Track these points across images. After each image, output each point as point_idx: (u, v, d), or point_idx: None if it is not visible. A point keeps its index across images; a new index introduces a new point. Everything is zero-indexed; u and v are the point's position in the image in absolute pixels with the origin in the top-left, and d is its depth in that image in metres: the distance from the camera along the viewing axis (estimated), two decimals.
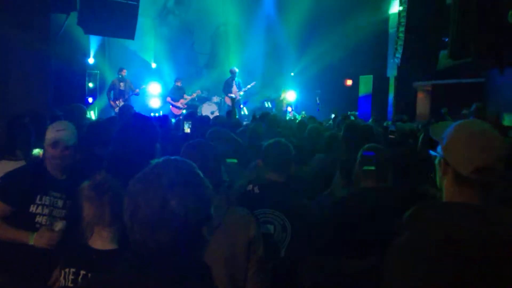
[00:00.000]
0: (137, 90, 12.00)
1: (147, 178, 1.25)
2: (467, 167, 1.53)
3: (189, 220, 1.21)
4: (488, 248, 1.41)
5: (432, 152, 1.69)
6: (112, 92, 11.72)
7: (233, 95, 13.94)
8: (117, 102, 11.53)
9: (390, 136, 6.81)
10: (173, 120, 8.45)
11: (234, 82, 14.03)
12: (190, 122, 5.15)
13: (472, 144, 1.54)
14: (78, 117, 4.73)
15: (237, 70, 14.16)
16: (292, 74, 16.81)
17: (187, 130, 5.20)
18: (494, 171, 1.53)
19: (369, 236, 2.54)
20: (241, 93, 14.08)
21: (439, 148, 1.65)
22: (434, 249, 1.45)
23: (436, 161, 1.66)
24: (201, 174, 1.30)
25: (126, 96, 11.67)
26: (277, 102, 14.73)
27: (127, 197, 1.25)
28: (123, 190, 2.13)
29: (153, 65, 16.02)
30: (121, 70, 11.86)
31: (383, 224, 2.25)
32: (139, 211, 1.21)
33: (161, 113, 13.20)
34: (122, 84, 11.65)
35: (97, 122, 4.04)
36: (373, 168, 2.70)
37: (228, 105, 13.89)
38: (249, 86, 14.40)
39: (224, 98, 14.27)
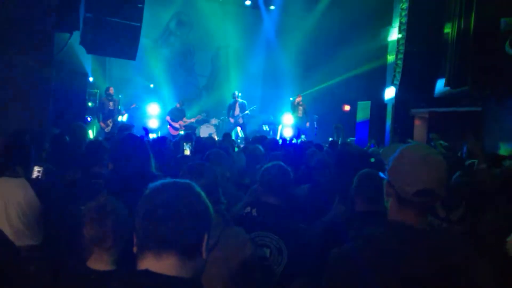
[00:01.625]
0: (124, 112, 11.98)
1: (164, 182, 1.40)
2: (409, 190, 1.60)
3: (194, 222, 1.33)
4: (411, 264, 1.49)
5: (381, 174, 1.77)
6: (101, 112, 11.70)
7: (232, 120, 14.22)
8: (108, 122, 11.52)
9: None
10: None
11: (237, 105, 14.34)
12: (190, 144, 5.11)
13: (414, 168, 1.61)
14: (79, 137, 4.76)
15: (237, 93, 14.51)
16: (291, 98, 16.92)
17: (187, 152, 5.13)
18: (434, 194, 1.60)
19: None
20: (242, 115, 14.36)
21: (386, 171, 1.72)
22: (365, 263, 1.54)
23: (383, 183, 1.74)
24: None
25: (116, 116, 11.61)
26: (293, 107, 14.57)
27: (144, 195, 1.37)
28: (125, 212, 2.20)
29: (151, 86, 16.12)
30: (108, 89, 11.86)
31: None
32: (156, 200, 1.34)
33: (159, 134, 13.23)
34: (111, 103, 11.62)
35: (96, 141, 4.07)
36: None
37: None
38: (247, 111, 14.64)
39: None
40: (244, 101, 14.63)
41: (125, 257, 2.21)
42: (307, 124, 14.37)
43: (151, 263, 1.29)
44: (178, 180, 1.41)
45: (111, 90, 11.80)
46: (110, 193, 2.39)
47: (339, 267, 1.61)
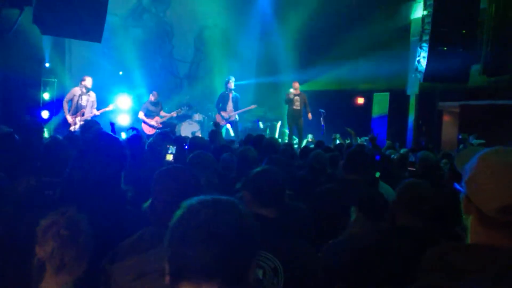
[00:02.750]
0: (98, 112, 11.68)
1: (201, 199, 1.46)
2: (492, 206, 1.54)
3: (239, 246, 1.38)
4: None
5: (457, 186, 1.72)
6: (70, 103, 11.43)
7: (225, 114, 14.13)
8: (77, 118, 11.32)
9: (409, 168, 6.91)
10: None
11: (230, 97, 14.26)
12: (175, 148, 5.09)
13: (498, 178, 1.55)
14: (33, 136, 4.80)
15: (232, 80, 14.40)
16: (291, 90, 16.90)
17: (170, 157, 5.09)
18: None
19: None
20: (234, 113, 14.29)
21: (463, 182, 1.67)
22: None
23: (461, 197, 1.68)
24: None
25: (86, 115, 11.32)
26: (288, 100, 14.39)
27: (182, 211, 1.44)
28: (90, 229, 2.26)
29: (120, 73, 16.10)
30: (83, 79, 11.47)
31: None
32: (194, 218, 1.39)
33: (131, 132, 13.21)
34: (84, 98, 11.36)
35: (56, 141, 4.09)
36: None
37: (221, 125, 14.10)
38: (246, 109, 14.56)
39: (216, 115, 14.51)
40: (238, 95, 14.59)
41: (85, 280, 2.28)
42: (309, 116, 14.20)
43: None
44: (218, 196, 1.47)
45: (87, 82, 11.43)
46: (68, 204, 2.43)
47: None
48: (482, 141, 10.40)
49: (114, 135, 3.32)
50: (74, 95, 11.43)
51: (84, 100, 11.39)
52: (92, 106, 11.58)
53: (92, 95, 11.61)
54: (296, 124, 13.91)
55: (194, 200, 1.44)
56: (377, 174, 4.27)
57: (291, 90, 13.96)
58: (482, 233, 1.59)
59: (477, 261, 1.51)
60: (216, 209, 1.40)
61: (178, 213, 1.42)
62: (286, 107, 14.54)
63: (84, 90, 11.41)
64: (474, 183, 1.60)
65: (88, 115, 11.37)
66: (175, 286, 1.37)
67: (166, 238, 1.41)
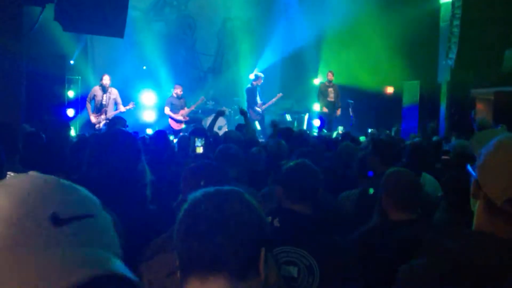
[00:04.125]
0: (124, 108, 11.79)
1: (206, 191, 1.46)
2: (501, 196, 1.50)
3: (245, 236, 1.37)
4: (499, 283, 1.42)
5: (469, 169, 1.67)
6: (93, 102, 11.69)
7: (259, 109, 14.09)
8: (100, 117, 11.48)
9: (443, 157, 6.81)
10: (172, 138, 8.53)
11: (258, 91, 14.25)
12: (203, 139, 5.14)
13: (510, 168, 1.51)
14: (59, 135, 4.85)
15: (262, 75, 14.39)
16: (318, 81, 16.75)
17: (200, 150, 5.15)
18: None
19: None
20: (264, 107, 14.28)
21: (475, 166, 1.63)
22: (442, 281, 1.50)
23: (471, 181, 1.65)
24: None
25: (109, 113, 11.49)
26: (322, 90, 14.31)
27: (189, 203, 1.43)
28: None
29: (144, 67, 16.20)
30: (102, 78, 11.74)
31: None
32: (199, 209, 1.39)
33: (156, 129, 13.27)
34: (104, 96, 11.54)
35: (83, 138, 4.13)
36: None
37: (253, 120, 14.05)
38: (274, 100, 14.48)
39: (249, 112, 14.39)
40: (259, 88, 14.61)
41: None
42: (338, 112, 14.24)
43: None
44: (221, 187, 1.47)
45: (106, 80, 11.67)
46: None
47: (421, 285, 1.59)
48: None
49: (126, 130, 3.32)
50: (95, 94, 11.70)
51: (104, 99, 11.59)
52: (114, 103, 11.74)
53: (114, 92, 11.79)
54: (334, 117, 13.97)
55: (198, 192, 1.44)
56: (371, 191, 4.15)
57: (327, 78, 14.00)
58: (486, 221, 1.56)
59: (474, 248, 1.50)
60: (219, 200, 1.40)
61: (183, 206, 1.42)
62: (314, 98, 14.53)
63: (103, 88, 11.64)
64: (486, 169, 1.57)
65: (111, 113, 11.53)
66: (184, 281, 1.36)
67: (174, 233, 1.41)
